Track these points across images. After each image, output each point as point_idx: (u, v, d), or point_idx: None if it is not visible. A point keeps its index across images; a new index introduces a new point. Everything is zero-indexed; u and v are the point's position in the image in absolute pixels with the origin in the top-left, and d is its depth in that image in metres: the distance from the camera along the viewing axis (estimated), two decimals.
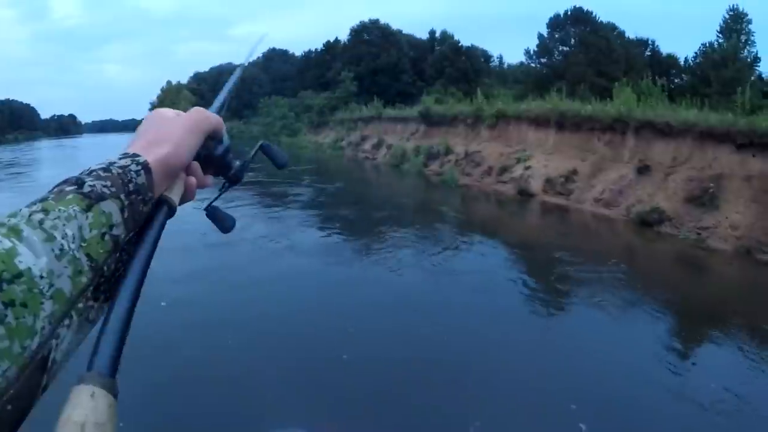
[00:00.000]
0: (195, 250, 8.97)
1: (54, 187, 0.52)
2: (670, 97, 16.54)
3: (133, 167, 0.57)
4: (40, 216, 0.47)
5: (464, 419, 4.10)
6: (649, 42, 38.91)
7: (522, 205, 14.86)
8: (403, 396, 4.45)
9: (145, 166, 0.58)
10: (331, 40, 58.14)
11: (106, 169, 0.55)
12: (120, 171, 0.56)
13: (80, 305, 0.49)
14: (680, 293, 7.73)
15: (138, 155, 0.59)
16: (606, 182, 13.73)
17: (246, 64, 1.14)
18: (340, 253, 9.72)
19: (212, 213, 0.77)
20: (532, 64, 36.89)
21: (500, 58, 55.09)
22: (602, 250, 10.30)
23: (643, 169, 13.07)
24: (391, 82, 47.19)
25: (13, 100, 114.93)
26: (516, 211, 14.68)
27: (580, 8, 34.44)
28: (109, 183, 0.53)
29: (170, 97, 79.42)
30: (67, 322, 0.47)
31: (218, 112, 0.84)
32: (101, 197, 0.52)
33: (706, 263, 9.57)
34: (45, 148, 64.86)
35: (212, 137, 0.73)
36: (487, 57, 52.23)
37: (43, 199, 0.49)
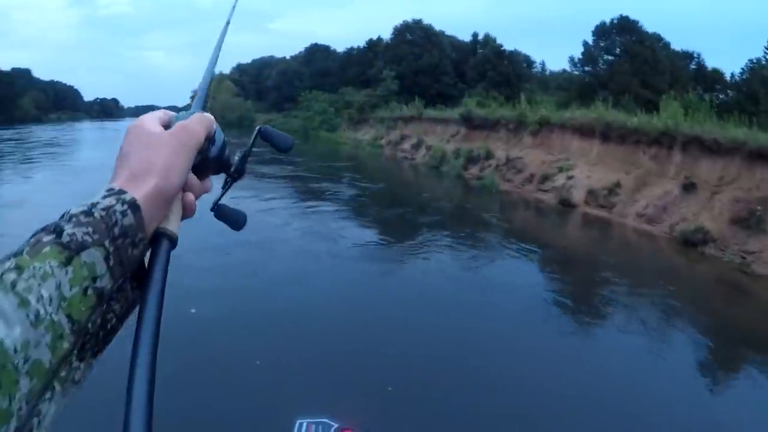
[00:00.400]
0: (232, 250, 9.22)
1: (31, 236, 0.47)
2: (716, 114, 16.30)
3: (119, 207, 0.52)
4: (12, 276, 0.42)
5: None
6: (695, 55, 38.15)
7: (563, 216, 14.86)
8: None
9: (133, 204, 0.53)
10: (374, 38, 58.39)
11: (88, 213, 0.50)
12: (103, 213, 0.51)
13: (63, 373, 0.45)
14: (723, 319, 7.74)
15: (124, 192, 0.53)
16: (650, 197, 13.64)
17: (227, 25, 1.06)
18: (381, 258, 9.88)
19: (220, 212, 0.75)
20: (576, 72, 36.49)
21: (542, 63, 54.75)
22: (644, 268, 10.30)
23: (688, 187, 12.96)
24: (431, 83, 47.23)
25: (57, 81, 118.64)
26: (557, 221, 14.71)
27: (627, 17, 33.90)
28: (91, 229, 0.49)
29: (212, 86, 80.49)
30: (48, 394, 0.44)
31: (203, 108, 0.79)
32: (82, 246, 0.48)
33: (750, 289, 9.44)
34: (86, 129, 67.00)
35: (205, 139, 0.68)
36: (529, 62, 51.98)
37: (17, 254, 0.45)
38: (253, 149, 0.81)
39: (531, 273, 9.50)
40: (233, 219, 0.76)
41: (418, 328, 6.38)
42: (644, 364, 5.96)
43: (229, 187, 0.79)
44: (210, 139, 0.69)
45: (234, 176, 0.78)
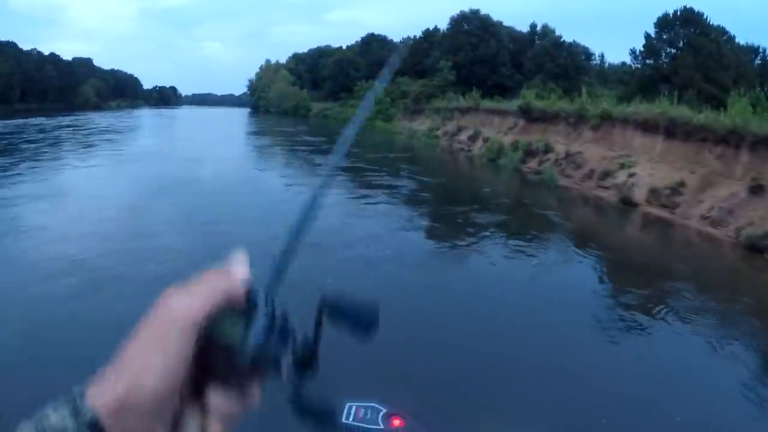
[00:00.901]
0: None
1: None
2: None
3: (71, 428, 0.39)
4: None
5: None
6: (760, 49, 36.71)
7: (624, 215, 14.73)
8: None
9: (93, 425, 0.39)
10: (430, 28, 58.30)
11: None
12: None
13: None
14: None
15: (85, 403, 0.40)
16: (715, 199, 13.35)
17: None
18: (441, 265, 9.83)
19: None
20: (637, 65, 35.50)
21: (602, 56, 53.78)
22: (708, 275, 10.19)
23: (756, 189, 12.62)
24: (488, 74, 46.98)
25: (118, 70, 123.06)
26: (618, 220, 14.64)
27: (691, 9, 32.54)
28: None
29: (268, 75, 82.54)
30: None
31: (339, 161, 0.64)
32: None
33: None
34: (143, 116, 69.07)
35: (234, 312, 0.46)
36: (588, 54, 50.93)
37: None
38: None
39: (590, 276, 9.54)
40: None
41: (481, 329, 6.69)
42: (707, 375, 6.04)
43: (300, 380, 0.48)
44: (243, 313, 0.47)
45: (301, 369, 0.48)
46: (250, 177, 19.26)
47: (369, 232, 11.25)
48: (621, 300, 8.24)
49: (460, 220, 12.97)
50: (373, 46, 71.85)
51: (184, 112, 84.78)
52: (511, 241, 11.21)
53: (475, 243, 11.01)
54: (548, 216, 14.04)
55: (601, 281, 9.38)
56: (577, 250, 10.97)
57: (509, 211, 14.82)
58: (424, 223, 13.16)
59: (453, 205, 14.98)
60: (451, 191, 17.33)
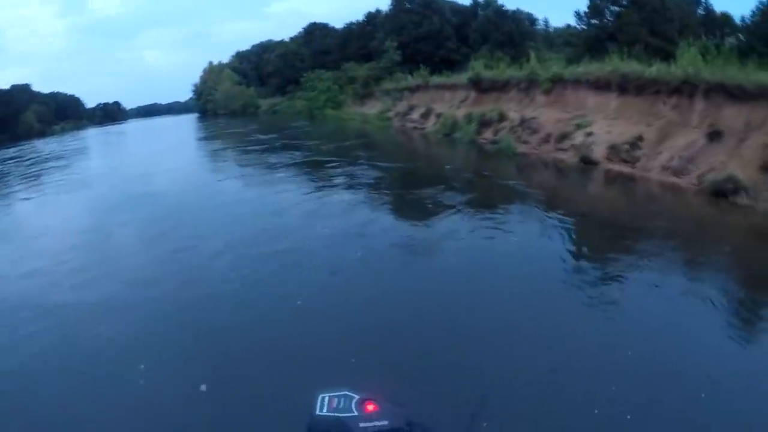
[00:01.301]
0: None
1: None
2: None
3: None
4: None
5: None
6: (702, 0, 37.12)
7: (585, 174, 14.56)
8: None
9: None
10: (372, 11, 57.66)
11: None
12: None
13: None
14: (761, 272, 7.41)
15: None
16: (674, 149, 13.27)
17: None
18: (413, 244, 9.53)
19: None
20: (582, 26, 35.51)
21: (546, 21, 53.81)
22: (676, 223, 10.03)
23: (713, 135, 12.57)
24: (434, 50, 46.58)
25: (58, 92, 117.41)
26: (579, 180, 14.44)
27: None
28: None
29: (212, 77, 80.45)
30: None
31: None
32: None
33: None
34: (89, 136, 64.65)
35: None
36: (532, 20, 51.04)
37: None
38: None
39: (558, 238, 9.28)
40: None
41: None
42: (678, 318, 5.97)
43: None
44: None
45: None
46: (206, 187, 17.53)
47: (335, 230, 10.38)
48: (591, 258, 8.13)
49: (425, 201, 12.35)
50: (316, 35, 70.79)
51: (131, 126, 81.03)
52: (477, 215, 10.90)
53: (441, 222, 10.58)
54: (510, 184, 13.77)
55: (569, 241, 9.14)
56: (543, 214, 10.74)
57: (471, 185, 14.30)
58: (389, 211, 12.44)
59: (415, 187, 14.29)
60: (411, 173, 16.69)
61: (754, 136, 11.77)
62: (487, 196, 12.97)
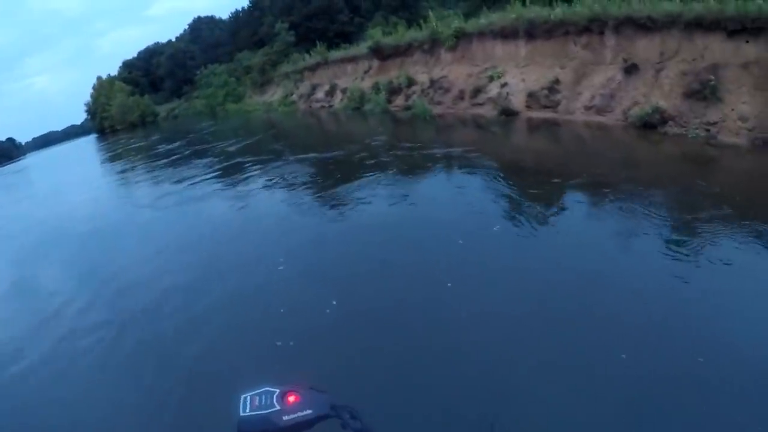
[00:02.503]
0: None
1: None
2: None
3: None
4: None
5: None
6: None
7: (507, 125, 14.00)
8: None
9: None
10: None
11: None
12: None
13: None
14: (706, 195, 7.06)
15: None
16: (593, 87, 12.95)
17: None
18: (351, 229, 8.43)
19: None
20: None
21: None
22: (608, 158, 9.72)
23: (630, 69, 12.29)
24: (327, 25, 45.10)
25: None
26: (502, 131, 13.79)
27: None
28: None
29: (103, 92, 74.89)
30: None
31: None
32: None
33: (719, 158, 9.01)
34: None
35: None
36: None
37: None
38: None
39: (490, 192, 8.65)
40: None
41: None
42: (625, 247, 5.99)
43: None
44: None
45: None
46: (122, 214, 13.74)
47: (265, 242, 8.44)
48: (527, 208, 7.59)
49: (351, 184, 10.74)
50: (203, 29, 67.99)
51: (29, 161, 71.18)
52: (404, 185, 9.95)
53: (372, 201, 9.42)
54: (432, 148, 12.68)
55: (502, 195, 8.45)
56: (470, 170, 10.02)
57: (392, 157, 12.79)
58: (315, 204, 10.20)
59: (335, 171, 12.53)
60: (328, 157, 14.42)
61: (670, 65, 11.56)
62: (410, 164, 11.78)
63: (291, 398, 1.26)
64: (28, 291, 8.77)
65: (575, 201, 7.48)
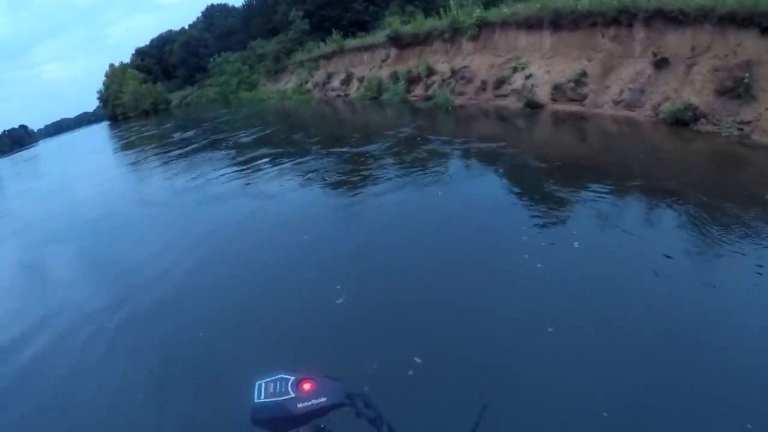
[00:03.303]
0: None
1: None
2: None
3: None
4: None
5: None
6: None
7: (532, 118, 13.80)
8: None
9: None
10: None
11: None
12: None
13: None
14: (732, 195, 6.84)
15: None
16: (622, 81, 12.75)
17: None
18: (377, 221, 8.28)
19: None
20: None
21: None
22: (640, 155, 9.44)
23: (660, 63, 12.09)
24: (342, 13, 44.78)
25: None
26: (528, 125, 13.57)
27: None
28: None
29: (116, 80, 75.08)
30: None
31: None
32: None
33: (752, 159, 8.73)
34: None
35: None
36: None
37: None
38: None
39: (517, 187, 8.67)
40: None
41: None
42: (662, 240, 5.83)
43: None
44: None
45: None
46: (142, 208, 12.91)
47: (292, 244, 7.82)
48: (555, 202, 7.49)
49: (375, 177, 10.64)
50: (217, 17, 67.91)
51: (41, 148, 70.84)
52: (432, 179, 9.78)
53: (399, 194, 9.25)
54: (468, 143, 12.37)
55: (529, 189, 8.45)
56: (520, 171, 9.75)
57: (430, 153, 11.93)
58: (343, 198, 9.90)
59: (374, 168, 11.63)
60: (362, 152, 13.32)
61: (702, 60, 11.36)
62: (436, 157, 11.50)
63: (306, 386, 1.26)
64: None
65: (650, 212, 6.89)
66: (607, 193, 7.55)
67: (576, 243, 6.02)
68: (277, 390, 1.25)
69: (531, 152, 10.76)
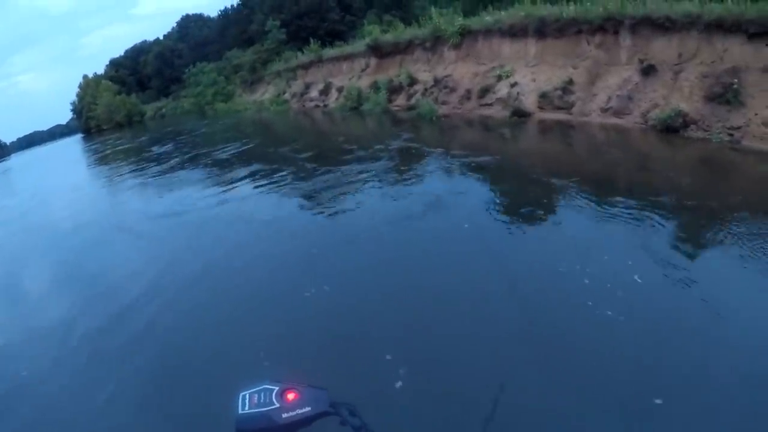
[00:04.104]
0: None
1: None
2: None
3: None
4: None
5: None
6: None
7: (519, 127, 13.58)
8: None
9: None
10: None
11: None
12: None
13: None
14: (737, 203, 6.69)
15: None
16: (609, 89, 12.68)
17: None
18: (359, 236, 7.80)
19: None
20: None
21: None
22: (633, 162, 9.41)
23: (648, 70, 12.04)
24: (319, 23, 44.75)
25: None
26: (516, 133, 13.26)
27: None
28: None
29: (90, 92, 73.82)
30: None
31: None
32: None
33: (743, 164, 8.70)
34: None
35: None
36: None
37: None
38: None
39: (505, 197, 8.49)
40: None
41: None
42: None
43: None
44: None
45: None
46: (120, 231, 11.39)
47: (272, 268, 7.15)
48: (544, 210, 7.39)
49: (361, 191, 10.05)
50: (192, 27, 67.37)
51: (12, 162, 68.56)
52: (418, 188, 9.54)
53: (384, 205, 8.93)
54: (439, 152, 12.11)
55: (518, 200, 8.25)
56: (483, 175, 9.74)
57: (418, 166, 11.41)
58: (324, 212, 9.27)
59: (341, 177, 11.29)
60: (344, 165, 12.42)
61: (689, 67, 11.34)
62: (423, 170, 10.99)
63: (290, 395, 1.26)
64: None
65: (681, 232, 6.30)
66: (642, 209, 6.90)
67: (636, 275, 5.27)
68: (262, 401, 1.25)
69: (536, 165, 10.30)
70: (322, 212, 9.36)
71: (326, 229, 8.51)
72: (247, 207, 10.63)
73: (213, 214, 10.57)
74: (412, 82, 20.29)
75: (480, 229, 7.07)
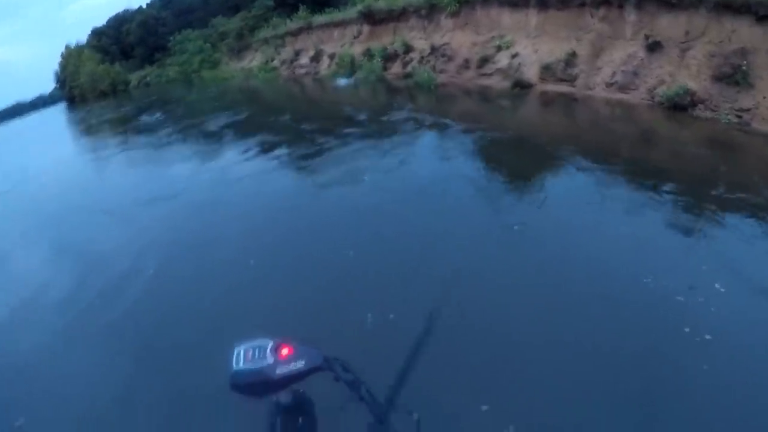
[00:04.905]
0: None
1: None
2: None
3: None
4: None
5: None
6: None
7: (521, 99, 13.41)
8: None
9: None
10: None
11: None
12: None
13: None
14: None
15: None
16: (614, 63, 12.52)
17: None
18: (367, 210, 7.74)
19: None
20: None
21: None
22: (640, 140, 9.40)
23: (653, 46, 11.88)
24: None
25: None
26: (518, 105, 13.12)
27: None
28: None
29: (72, 61, 71.59)
30: None
31: None
32: None
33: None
34: None
35: None
36: None
37: None
38: None
39: (510, 171, 8.33)
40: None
41: None
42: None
43: None
44: None
45: None
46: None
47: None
48: (561, 186, 7.43)
49: (360, 162, 9.86)
50: None
51: None
52: (425, 162, 9.41)
53: (393, 174, 8.87)
54: (447, 122, 11.97)
55: (520, 175, 8.17)
56: (488, 150, 9.61)
57: (404, 132, 11.53)
58: (324, 187, 9.05)
59: (339, 147, 11.14)
60: (323, 129, 12.74)
61: (697, 45, 11.20)
62: (428, 141, 10.96)
63: (284, 351, 1.25)
64: None
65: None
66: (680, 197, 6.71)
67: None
68: (256, 356, 1.25)
69: (554, 142, 9.85)
70: (327, 187, 9.18)
71: (335, 205, 8.34)
72: (256, 187, 9.97)
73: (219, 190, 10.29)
74: (408, 49, 19.91)
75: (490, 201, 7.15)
